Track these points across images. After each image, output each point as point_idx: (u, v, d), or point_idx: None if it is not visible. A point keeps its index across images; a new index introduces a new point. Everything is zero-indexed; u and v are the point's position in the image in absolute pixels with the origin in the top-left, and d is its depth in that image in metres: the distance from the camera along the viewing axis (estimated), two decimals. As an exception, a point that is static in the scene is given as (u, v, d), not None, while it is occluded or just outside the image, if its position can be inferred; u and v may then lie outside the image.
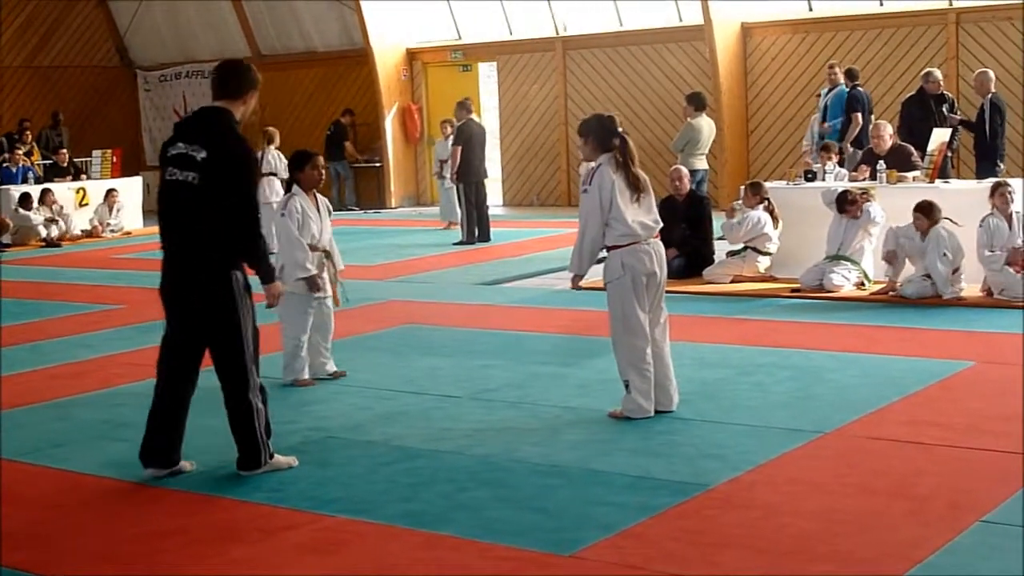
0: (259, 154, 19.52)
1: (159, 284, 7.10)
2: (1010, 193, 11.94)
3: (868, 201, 12.79)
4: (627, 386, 8.08)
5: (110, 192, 23.36)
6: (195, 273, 6.91)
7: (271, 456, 7.13)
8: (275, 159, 19.12)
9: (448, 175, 20.34)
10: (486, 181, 19.97)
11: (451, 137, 20.48)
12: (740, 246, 14.00)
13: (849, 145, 17.30)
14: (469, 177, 19.32)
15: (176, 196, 6.91)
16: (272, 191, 18.65)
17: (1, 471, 7.38)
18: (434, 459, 7.29)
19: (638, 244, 8.12)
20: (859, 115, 17.62)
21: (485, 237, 19.32)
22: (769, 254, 13.86)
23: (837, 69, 18.55)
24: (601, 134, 8.22)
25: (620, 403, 8.13)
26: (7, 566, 5.75)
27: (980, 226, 11.97)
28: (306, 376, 9.50)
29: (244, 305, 6.96)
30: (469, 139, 19.30)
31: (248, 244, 6.89)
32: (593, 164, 8.25)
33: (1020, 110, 20.39)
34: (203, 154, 6.79)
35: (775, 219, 13.85)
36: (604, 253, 8.31)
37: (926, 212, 11.95)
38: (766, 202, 13.87)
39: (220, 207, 6.77)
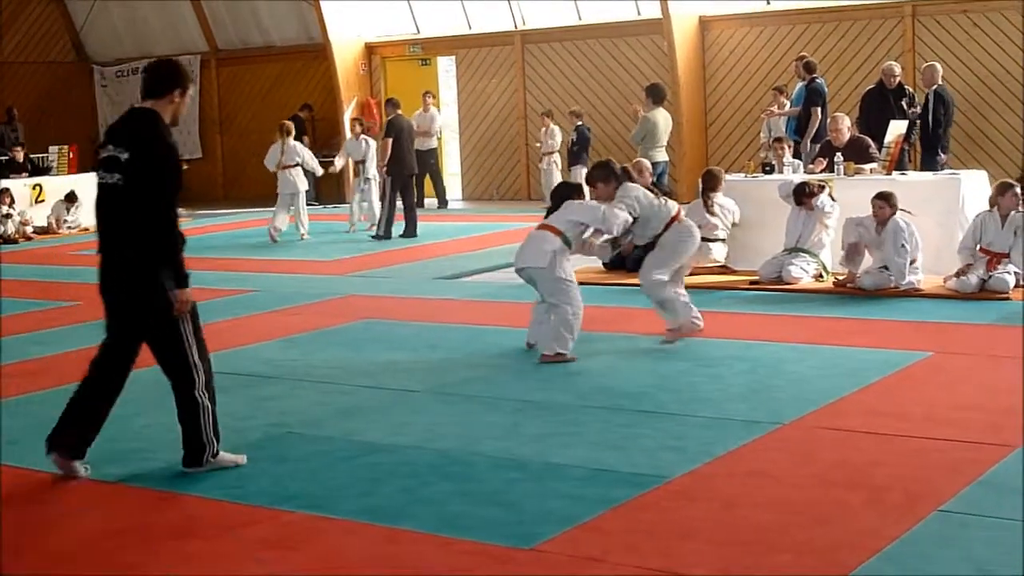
0: (277, 146, 19.63)
1: (98, 284, 7.08)
2: (1018, 195, 11.97)
3: (819, 193, 12.86)
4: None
5: (71, 195, 23.12)
6: (124, 275, 6.90)
7: (215, 454, 7.06)
8: (292, 150, 19.50)
9: (370, 173, 20.37)
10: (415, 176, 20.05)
11: (362, 136, 20.68)
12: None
13: (809, 142, 17.37)
14: (400, 172, 19.31)
15: (104, 199, 6.92)
16: (300, 181, 19.46)
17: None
18: (394, 454, 7.28)
19: None
20: (818, 109, 17.71)
21: (411, 233, 19.31)
22: (718, 240, 13.87)
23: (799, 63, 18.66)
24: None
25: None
26: (-38, 565, 5.71)
27: (974, 220, 12.07)
28: None
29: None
30: (399, 133, 19.34)
31: (161, 245, 6.83)
32: None
33: (976, 102, 20.55)
34: (125, 155, 6.78)
35: (708, 206, 13.91)
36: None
37: (888, 199, 12.00)
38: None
39: (142, 208, 6.74)
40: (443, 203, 24.80)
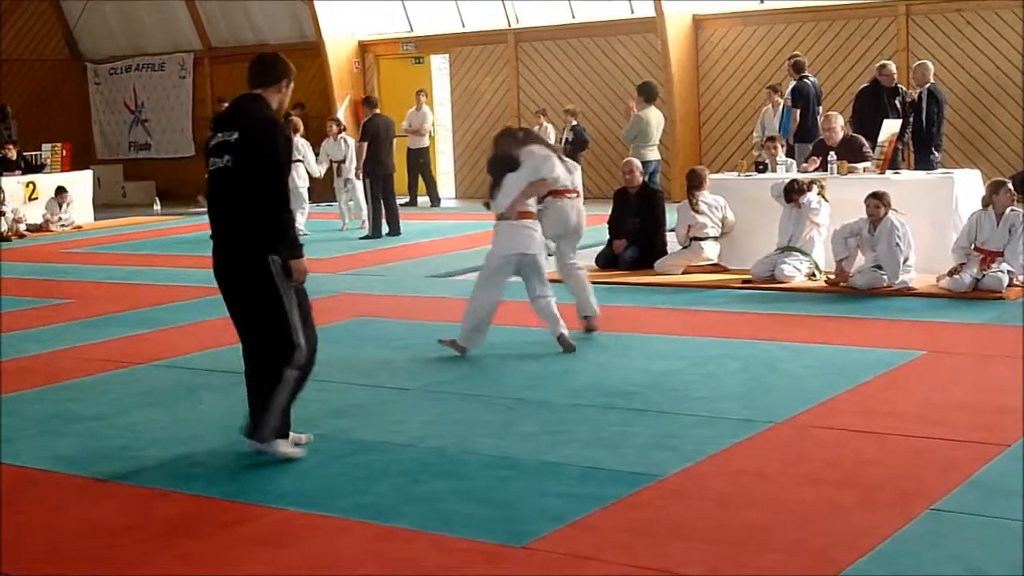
0: None
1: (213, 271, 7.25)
2: (1012, 192, 12.00)
3: (807, 191, 12.89)
4: None
5: (60, 190, 23.12)
6: (235, 258, 7.06)
7: (280, 436, 7.13)
8: (295, 148, 19.43)
9: (351, 174, 20.34)
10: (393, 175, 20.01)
11: (342, 136, 20.66)
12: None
13: (791, 138, 17.42)
14: (377, 172, 19.30)
15: (215, 183, 7.08)
16: (300, 177, 19.55)
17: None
18: (387, 452, 7.28)
19: None
20: (797, 111, 17.77)
21: (396, 231, 19.28)
22: (710, 238, 13.89)
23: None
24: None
25: None
26: (-45, 563, 5.71)
27: (969, 218, 12.09)
28: None
29: (284, 286, 7.03)
30: (376, 134, 19.31)
31: (273, 217, 6.97)
32: None
33: (970, 101, 20.57)
34: (235, 135, 6.96)
35: (694, 205, 13.95)
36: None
37: (882, 198, 12.01)
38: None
39: (250, 185, 6.90)
40: (436, 201, 24.78)
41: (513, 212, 9.99)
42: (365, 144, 19.33)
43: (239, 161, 6.94)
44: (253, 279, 7.01)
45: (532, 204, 10.13)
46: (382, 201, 19.38)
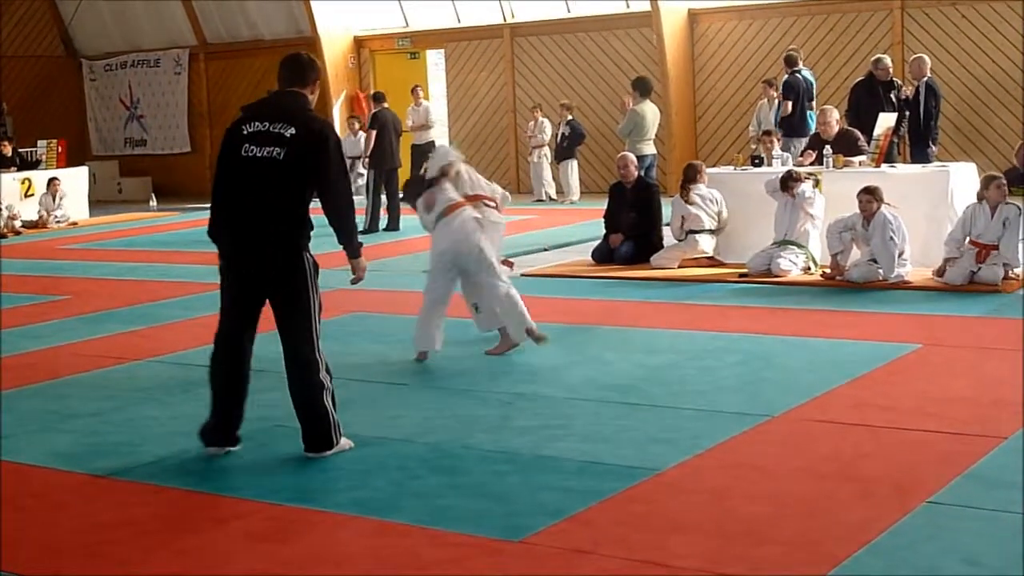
0: None
1: (226, 260, 7.15)
2: (1004, 185, 12.00)
3: (803, 181, 12.91)
4: None
5: (52, 181, 23.13)
6: (273, 250, 7.03)
7: (340, 436, 7.19)
8: None
9: (360, 169, 20.43)
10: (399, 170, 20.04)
11: (360, 133, 20.71)
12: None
13: (782, 134, 17.46)
14: (382, 165, 19.33)
15: (255, 172, 6.98)
16: None
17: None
18: (384, 447, 7.28)
19: None
20: (788, 104, 17.82)
21: (395, 227, 19.27)
22: (706, 231, 13.88)
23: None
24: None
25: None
26: (-48, 559, 5.70)
27: (964, 212, 12.10)
28: None
29: (315, 286, 7.12)
30: (383, 127, 19.33)
31: (343, 219, 7.13)
32: None
33: (965, 95, 20.57)
34: (291, 131, 6.95)
35: (685, 197, 13.95)
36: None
37: (874, 193, 12.02)
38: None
39: (303, 182, 6.97)
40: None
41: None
42: (374, 132, 19.40)
43: (296, 157, 6.91)
44: (291, 277, 7.04)
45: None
46: (384, 195, 19.39)
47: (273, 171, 6.94)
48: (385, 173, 19.40)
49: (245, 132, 7.05)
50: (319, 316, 7.17)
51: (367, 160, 19.49)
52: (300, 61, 7.29)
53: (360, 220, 19.95)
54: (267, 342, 10.41)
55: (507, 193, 11.14)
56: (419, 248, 16.91)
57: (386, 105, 19.89)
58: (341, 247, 7.30)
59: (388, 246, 17.48)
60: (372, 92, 21.09)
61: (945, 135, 19.19)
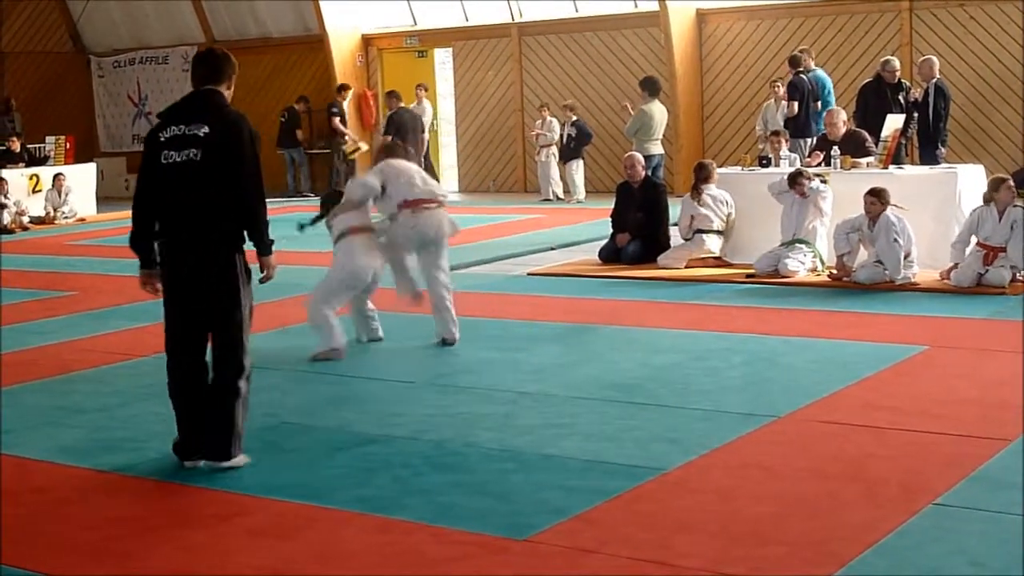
0: None
1: (159, 268, 7.09)
2: (1014, 187, 11.99)
3: (812, 179, 12.93)
4: None
5: (57, 177, 23.14)
6: (202, 255, 6.89)
7: (240, 450, 6.97)
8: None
9: None
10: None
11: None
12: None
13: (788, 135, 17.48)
14: None
15: (177, 177, 6.87)
16: None
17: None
18: (388, 444, 7.28)
19: None
20: (794, 104, 17.82)
21: None
22: (714, 231, 13.87)
23: (806, 55, 18.71)
24: None
25: None
26: (-44, 554, 5.70)
27: (971, 214, 12.09)
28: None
29: (246, 289, 6.97)
30: (401, 127, 19.28)
31: (254, 215, 6.90)
32: None
33: (973, 96, 20.55)
34: (205, 129, 6.83)
35: (696, 197, 13.95)
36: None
37: (879, 195, 12.00)
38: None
39: (224, 181, 6.80)
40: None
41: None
42: (388, 139, 19.31)
43: (212, 156, 6.79)
44: (222, 278, 6.88)
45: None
46: None
47: (194, 174, 6.81)
48: None
49: (162, 138, 6.93)
50: (250, 319, 7.01)
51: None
52: (214, 57, 7.15)
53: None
54: (267, 341, 10.44)
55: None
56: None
57: (403, 104, 19.74)
58: (251, 243, 7.01)
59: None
60: (387, 91, 20.95)
61: (952, 136, 19.14)
